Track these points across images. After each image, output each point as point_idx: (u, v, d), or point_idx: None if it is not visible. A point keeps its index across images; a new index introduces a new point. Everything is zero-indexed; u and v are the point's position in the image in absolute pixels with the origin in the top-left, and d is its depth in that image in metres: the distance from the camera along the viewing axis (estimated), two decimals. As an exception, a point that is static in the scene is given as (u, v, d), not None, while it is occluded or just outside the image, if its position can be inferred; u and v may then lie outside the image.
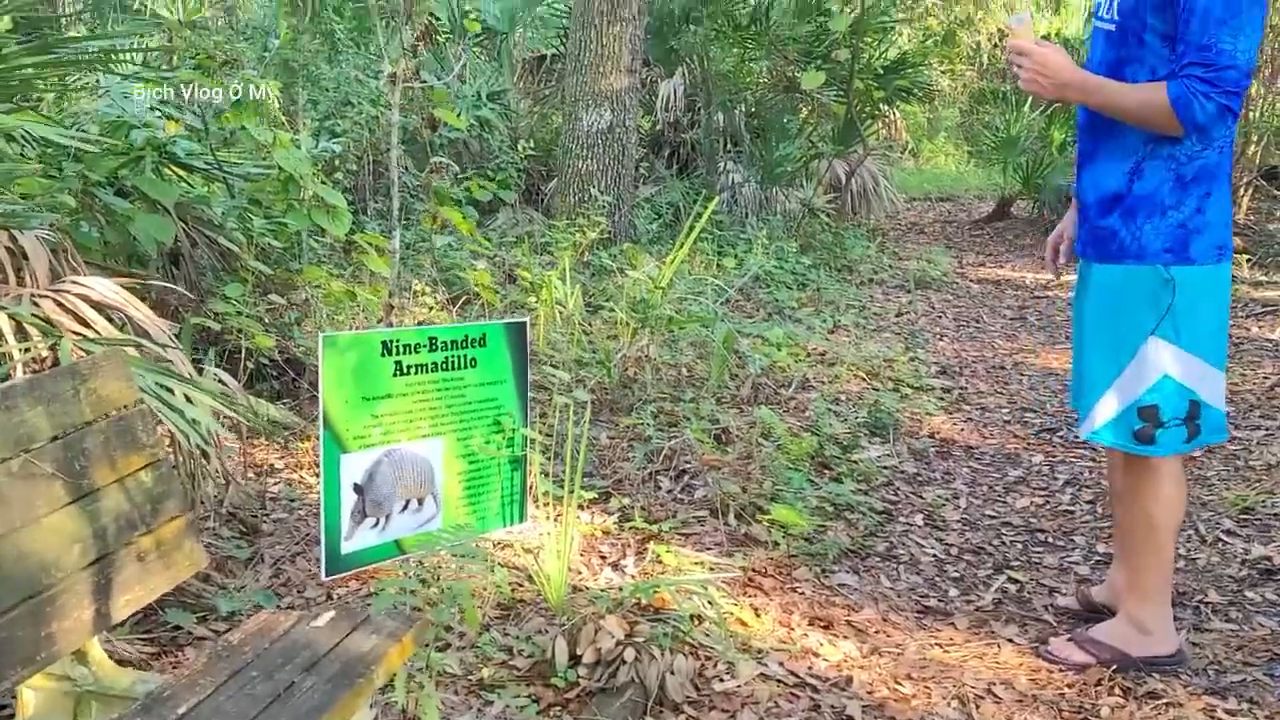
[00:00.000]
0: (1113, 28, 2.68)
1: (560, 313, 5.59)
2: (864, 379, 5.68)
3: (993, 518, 4.10)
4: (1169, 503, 2.80)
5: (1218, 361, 2.76)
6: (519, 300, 5.98)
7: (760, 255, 7.90)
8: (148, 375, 2.62)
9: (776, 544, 3.62)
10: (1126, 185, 2.70)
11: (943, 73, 15.55)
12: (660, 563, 3.35)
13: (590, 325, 5.92)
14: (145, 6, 10.66)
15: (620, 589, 3.03)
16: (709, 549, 3.54)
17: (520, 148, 9.21)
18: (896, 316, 7.46)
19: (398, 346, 2.83)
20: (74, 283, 2.88)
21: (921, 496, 4.28)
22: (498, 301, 5.70)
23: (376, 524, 2.78)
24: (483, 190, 9.03)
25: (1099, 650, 2.89)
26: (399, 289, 6.08)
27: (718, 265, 7.70)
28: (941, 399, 5.57)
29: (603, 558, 3.50)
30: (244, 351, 4.31)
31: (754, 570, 3.44)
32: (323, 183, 4.77)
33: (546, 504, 3.34)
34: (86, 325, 2.74)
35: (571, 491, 3.17)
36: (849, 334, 6.66)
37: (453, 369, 2.96)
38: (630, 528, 3.68)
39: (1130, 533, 2.89)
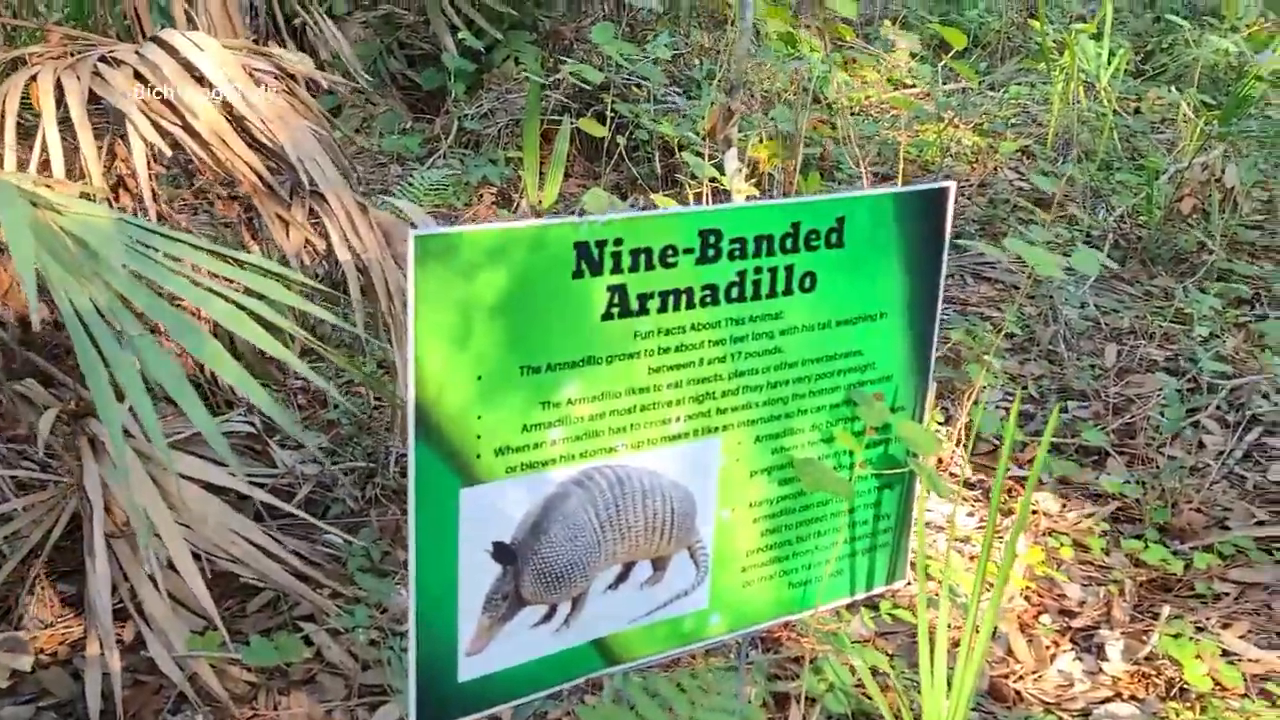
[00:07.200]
0: None
1: (1085, 88, 3.60)
2: None
3: None
4: None
5: None
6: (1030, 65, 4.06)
7: None
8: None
9: None
10: None
11: None
12: (1175, 663, 1.65)
13: (1137, 105, 3.91)
14: None
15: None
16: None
17: None
18: None
19: (616, 254, 1.25)
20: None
21: None
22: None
23: (549, 618, 1.33)
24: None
25: None
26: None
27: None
28: None
29: (1068, 622, 1.83)
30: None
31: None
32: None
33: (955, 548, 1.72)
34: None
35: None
36: None
37: (755, 298, 1.33)
38: (1129, 551, 1.96)
39: None
